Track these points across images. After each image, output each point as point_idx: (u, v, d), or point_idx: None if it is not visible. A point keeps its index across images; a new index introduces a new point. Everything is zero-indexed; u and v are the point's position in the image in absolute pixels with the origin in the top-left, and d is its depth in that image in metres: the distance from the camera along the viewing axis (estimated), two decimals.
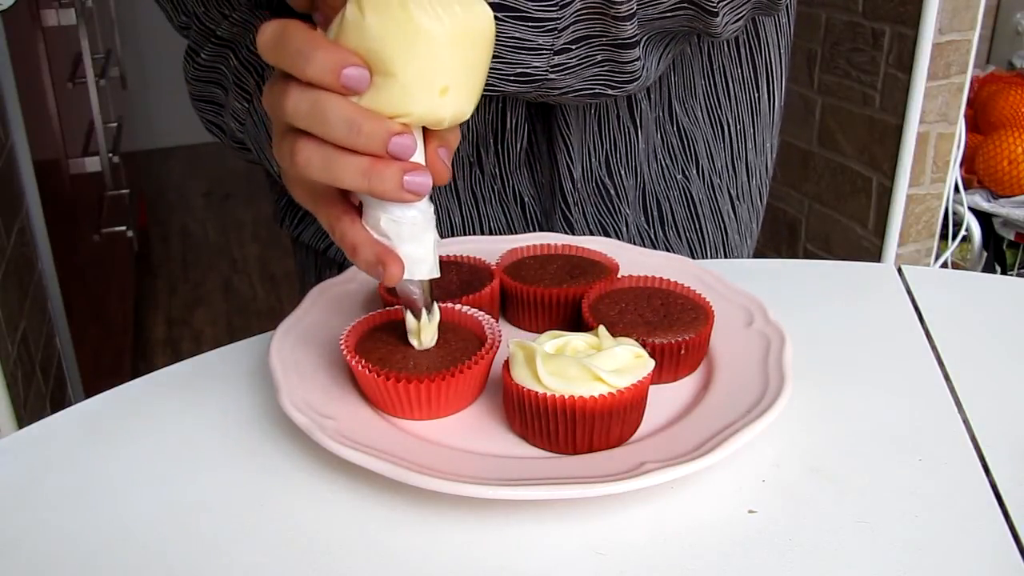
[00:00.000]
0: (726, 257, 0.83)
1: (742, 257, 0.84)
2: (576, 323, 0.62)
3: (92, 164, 1.87)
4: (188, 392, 0.61)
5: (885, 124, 1.98)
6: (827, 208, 2.17)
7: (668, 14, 0.61)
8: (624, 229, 0.77)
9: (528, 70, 0.59)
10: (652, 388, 0.54)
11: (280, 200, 0.82)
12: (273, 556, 0.48)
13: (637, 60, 0.61)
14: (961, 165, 2.07)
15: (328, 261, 0.81)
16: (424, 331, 0.54)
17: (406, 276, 0.49)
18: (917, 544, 0.48)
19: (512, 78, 0.58)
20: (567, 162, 0.73)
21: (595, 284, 0.63)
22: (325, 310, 0.64)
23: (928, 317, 0.69)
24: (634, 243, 0.78)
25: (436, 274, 0.51)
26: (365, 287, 0.67)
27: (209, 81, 0.65)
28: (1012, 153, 2.06)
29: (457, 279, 0.63)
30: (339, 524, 0.50)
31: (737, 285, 0.66)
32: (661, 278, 0.64)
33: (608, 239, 0.74)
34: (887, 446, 0.55)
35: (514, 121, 0.71)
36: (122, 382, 0.61)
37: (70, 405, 0.60)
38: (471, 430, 0.55)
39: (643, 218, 0.78)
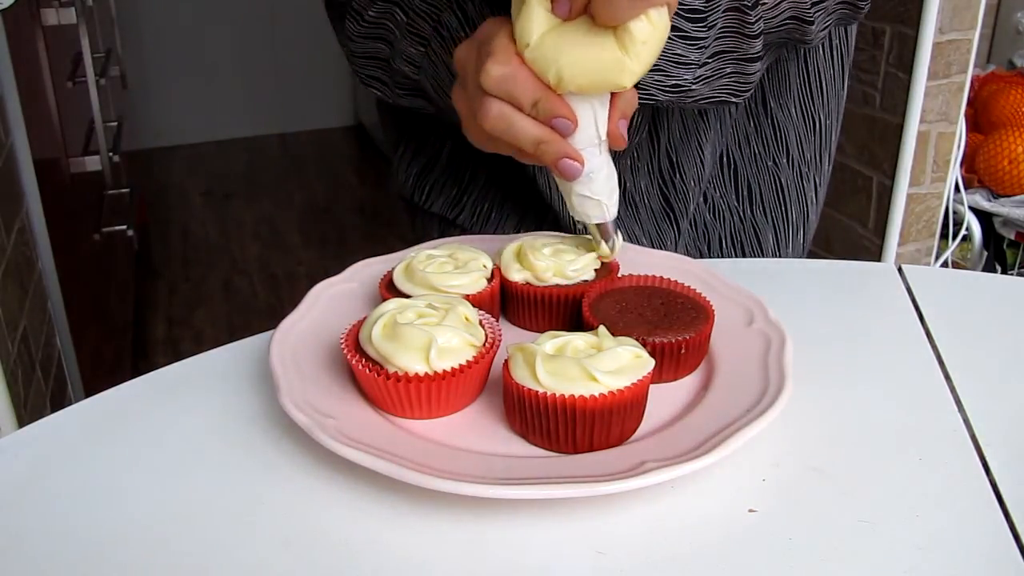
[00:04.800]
0: (804, 236, 0.88)
1: (812, 231, 0.90)
2: (576, 323, 0.62)
3: (92, 163, 1.87)
4: (188, 392, 0.61)
5: (885, 123, 1.98)
6: (827, 207, 2.17)
7: (775, 29, 0.68)
8: (684, 212, 0.83)
9: (680, 82, 0.66)
10: (652, 387, 0.54)
11: (407, 179, 0.89)
12: (273, 555, 0.48)
13: (757, 72, 0.68)
14: (961, 164, 2.07)
15: (452, 226, 0.88)
16: (603, 252, 0.65)
17: (580, 214, 0.63)
18: (917, 544, 0.48)
19: (667, 89, 0.66)
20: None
21: (595, 284, 0.63)
22: (325, 310, 0.64)
23: (928, 317, 0.69)
24: (724, 219, 0.84)
25: (607, 218, 0.63)
26: (365, 287, 0.67)
27: (375, 37, 0.73)
28: (1012, 152, 2.05)
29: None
30: (339, 523, 0.50)
31: (737, 284, 0.66)
32: (661, 277, 0.64)
33: None
34: (887, 446, 0.55)
35: (638, 118, 0.79)
36: (122, 382, 0.61)
37: (70, 405, 0.60)
38: (471, 429, 0.55)
39: (734, 197, 0.84)
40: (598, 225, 0.63)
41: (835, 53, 0.83)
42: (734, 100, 0.70)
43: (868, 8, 0.74)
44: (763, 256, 0.85)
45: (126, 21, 3.12)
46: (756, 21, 0.66)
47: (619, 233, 0.64)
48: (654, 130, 0.78)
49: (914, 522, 0.49)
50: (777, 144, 0.83)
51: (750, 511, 0.50)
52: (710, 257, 0.84)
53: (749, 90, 0.69)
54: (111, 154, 1.96)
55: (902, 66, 1.91)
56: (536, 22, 0.55)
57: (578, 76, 0.55)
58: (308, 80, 3.72)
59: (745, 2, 0.65)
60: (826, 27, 0.72)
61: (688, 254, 0.83)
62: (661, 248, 0.81)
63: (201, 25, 3.57)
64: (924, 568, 0.47)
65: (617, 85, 0.56)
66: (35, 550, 0.48)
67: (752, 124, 0.82)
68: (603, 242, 0.64)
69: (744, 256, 0.85)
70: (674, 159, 0.79)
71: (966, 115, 1.99)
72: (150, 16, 3.48)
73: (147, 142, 3.58)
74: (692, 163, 0.80)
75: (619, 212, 0.64)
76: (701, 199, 0.83)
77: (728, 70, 0.67)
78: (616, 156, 0.78)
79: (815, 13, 0.69)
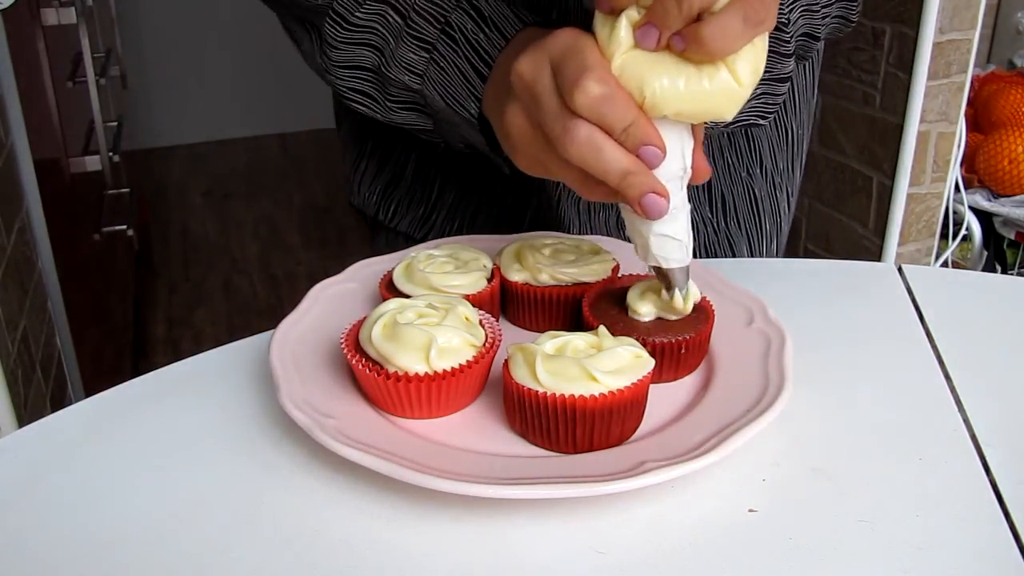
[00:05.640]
0: (777, 246, 0.87)
1: (784, 242, 0.89)
2: (576, 323, 0.62)
3: (92, 163, 1.87)
4: (188, 391, 0.61)
5: (886, 123, 1.98)
6: (827, 207, 2.17)
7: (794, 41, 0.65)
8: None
9: None
10: (652, 387, 0.54)
11: (370, 196, 0.84)
12: (273, 554, 0.48)
13: (785, 93, 0.65)
14: (961, 164, 2.07)
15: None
16: (677, 303, 0.57)
17: (657, 258, 0.55)
18: (917, 544, 0.48)
19: None
20: None
21: (595, 284, 0.63)
22: (325, 309, 0.64)
23: (928, 317, 0.69)
24: (698, 232, 0.82)
25: (686, 261, 0.55)
26: (365, 286, 0.67)
27: (360, 44, 0.66)
28: (1012, 152, 2.05)
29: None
30: (339, 522, 0.50)
31: (737, 284, 0.66)
32: None
33: (608, 238, 0.74)
34: (887, 446, 0.55)
35: None
36: (122, 381, 0.61)
37: (70, 405, 0.60)
38: (471, 429, 0.55)
39: (708, 209, 0.82)
40: (672, 270, 0.55)
41: (806, 64, 0.82)
42: (762, 122, 0.66)
43: (856, 23, 0.73)
44: None
45: (126, 21, 3.12)
46: (790, 40, 0.62)
47: (690, 280, 0.57)
48: None
49: (914, 522, 0.49)
50: (751, 155, 0.82)
51: (750, 511, 0.50)
52: None
53: (775, 111, 0.66)
54: (111, 154, 1.96)
55: (902, 66, 1.91)
56: (627, 32, 0.49)
57: (679, 101, 0.49)
58: (308, 80, 3.70)
59: (781, 19, 0.61)
60: (821, 42, 0.72)
61: None
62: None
63: (201, 25, 3.57)
64: (924, 568, 0.47)
65: (722, 116, 0.50)
66: (35, 550, 0.48)
67: (726, 136, 0.80)
68: (676, 290, 0.56)
69: None
70: None
71: (966, 115, 1.99)
72: (150, 16, 3.48)
73: (147, 142, 3.57)
74: None
75: (608, 231, 0.61)
76: None
77: (760, 91, 0.64)
78: None
79: (822, 30, 0.67)
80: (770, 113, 0.67)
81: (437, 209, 0.82)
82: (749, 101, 0.63)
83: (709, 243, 0.84)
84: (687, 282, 0.56)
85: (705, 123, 0.53)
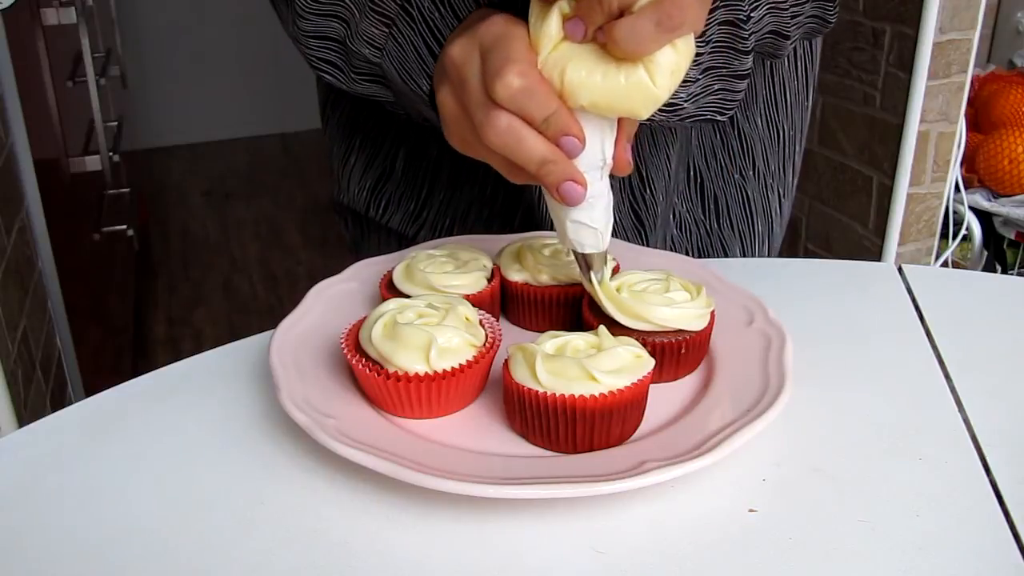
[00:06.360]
0: (770, 248, 0.87)
1: (778, 245, 0.89)
2: (576, 323, 0.62)
3: (92, 163, 1.87)
4: (188, 391, 0.61)
5: (886, 123, 1.98)
6: (827, 207, 2.17)
7: (757, 43, 0.65)
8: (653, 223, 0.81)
9: (675, 100, 0.63)
10: (652, 387, 0.54)
11: (359, 191, 0.85)
12: (273, 554, 0.48)
13: (743, 91, 0.65)
14: (961, 164, 2.07)
15: (413, 244, 0.84)
16: (591, 288, 0.59)
17: (572, 242, 0.57)
18: (917, 544, 0.48)
19: (663, 108, 0.61)
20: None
21: None
22: (325, 310, 0.64)
23: (928, 317, 0.69)
24: (691, 233, 0.82)
25: (601, 248, 0.58)
26: (365, 286, 0.67)
27: (328, 15, 0.67)
28: (1012, 152, 2.05)
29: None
30: (339, 522, 0.50)
31: (738, 284, 0.66)
32: None
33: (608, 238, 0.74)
34: (887, 446, 0.55)
35: None
36: (122, 381, 0.61)
37: (70, 404, 0.60)
38: (471, 429, 0.55)
39: (700, 210, 0.82)
40: (587, 255, 0.58)
41: (799, 64, 0.82)
42: (719, 118, 0.66)
43: (834, 23, 0.72)
44: None
45: (126, 21, 3.12)
46: (749, 36, 0.63)
47: (607, 264, 0.60)
48: None
49: (914, 522, 0.49)
50: (744, 156, 0.82)
51: (750, 511, 0.50)
52: None
53: (734, 108, 0.66)
54: (111, 154, 1.96)
55: (902, 66, 1.91)
56: (556, 26, 0.51)
57: (594, 93, 0.51)
58: (308, 80, 3.69)
59: (740, 15, 0.62)
60: (794, 41, 0.70)
61: None
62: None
63: (201, 25, 3.57)
64: (924, 568, 0.47)
65: (636, 113, 0.52)
66: (35, 550, 0.48)
67: (719, 137, 0.81)
68: (591, 272, 0.59)
69: None
70: (643, 172, 0.78)
71: (966, 115, 1.99)
72: (150, 16, 3.48)
73: (147, 142, 3.58)
74: (660, 176, 0.78)
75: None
76: (670, 214, 0.82)
77: (716, 87, 0.64)
78: None
79: (793, 28, 0.67)
80: (728, 110, 0.66)
81: (429, 205, 0.82)
82: (706, 96, 0.64)
83: (702, 244, 0.84)
84: (603, 267, 0.59)
85: (631, 119, 0.55)
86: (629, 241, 0.79)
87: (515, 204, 0.80)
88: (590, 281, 0.59)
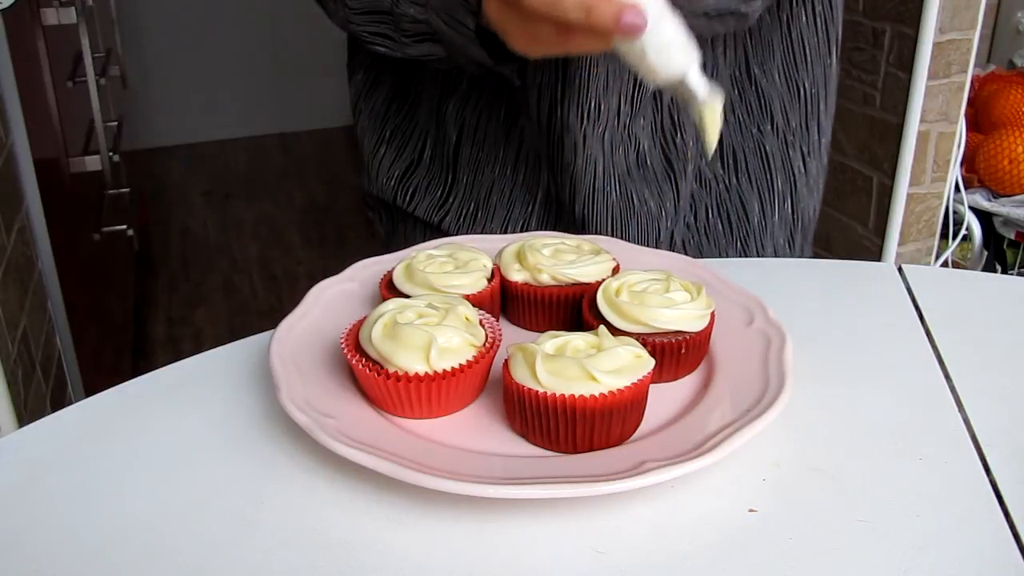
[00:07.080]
0: (793, 210, 0.87)
1: (810, 207, 0.89)
2: (576, 323, 0.62)
3: (92, 163, 1.87)
4: (188, 391, 0.61)
5: (886, 123, 1.98)
6: (827, 207, 2.17)
7: None
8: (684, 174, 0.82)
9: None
10: (652, 387, 0.54)
11: (388, 180, 0.88)
12: (273, 554, 0.48)
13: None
14: (961, 164, 2.07)
15: (439, 233, 0.87)
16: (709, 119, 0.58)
17: (672, 74, 0.55)
18: (917, 544, 0.48)
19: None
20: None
21: (595, 284, 0.63)
22: (325, 310, 0.64)
23: (928, 317, 0.69)
24: (710, 188, 0.83)
25: (696, 59, 0.56)
26: (365, 287, 0.67)
27: None
28: (1012, 152, 2.05)
29: None
30: (339, 522, 0.50)
31: (737, 284, 0.66)
32: None
33: (608, 238, 0.74)
34: (887, 446, 0.55)
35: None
36: (122, 381, 0.61)
37: (70, 404, 0.60)
38: (471, 429, 0.55)
39: (719, 165, 0.84)
40: (687, 76, 0.55)
41: (818, 20, 0.84)
42: (744, 9, 0.70)
43: None
44: (750, 227, 0.85)
45: (126, 21, 3.12)
46: None
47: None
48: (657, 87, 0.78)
49: (914, 522, 0.49)
50: (761, 111, 0.84)
51: (750, 511, 0.50)
52: (697, 228, 0.84)
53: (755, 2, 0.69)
54: (111, 154, 1.96)
55: (902, 66, 1.91)
56: None
57: None
58: (308, 80, 3.72)
59: None
60: None
61: (681, 233, 0.84)
62: (662, 212, 0.81)
63: (201, 25, 3.57)
64: (924, 568, 0.47)
65: None
66: (35, 550, 0.48)
67: (736, 91, 0.83)
68: (700, 103, 0.57)
69: (731, 227, 0.85)
70: (674, 116, 0.80)
71: (966, 115, 1.99)
72: (150, 16, 3.48)
73: (147, 142, 3.57)
74: (690, 119, 0.79)
75: (628, 170, 0.62)
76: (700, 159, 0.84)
77: None
78: (619, 115, 0.77)
79: None
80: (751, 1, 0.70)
81: (453, 192, 0.84)
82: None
83: (720, 200, 0.85)
84: (702, 82, 0.57)
85: None
86: (660, 185, 0.80)
87: (535, 182, 0.81)
88: (700, 113, 0.57)
